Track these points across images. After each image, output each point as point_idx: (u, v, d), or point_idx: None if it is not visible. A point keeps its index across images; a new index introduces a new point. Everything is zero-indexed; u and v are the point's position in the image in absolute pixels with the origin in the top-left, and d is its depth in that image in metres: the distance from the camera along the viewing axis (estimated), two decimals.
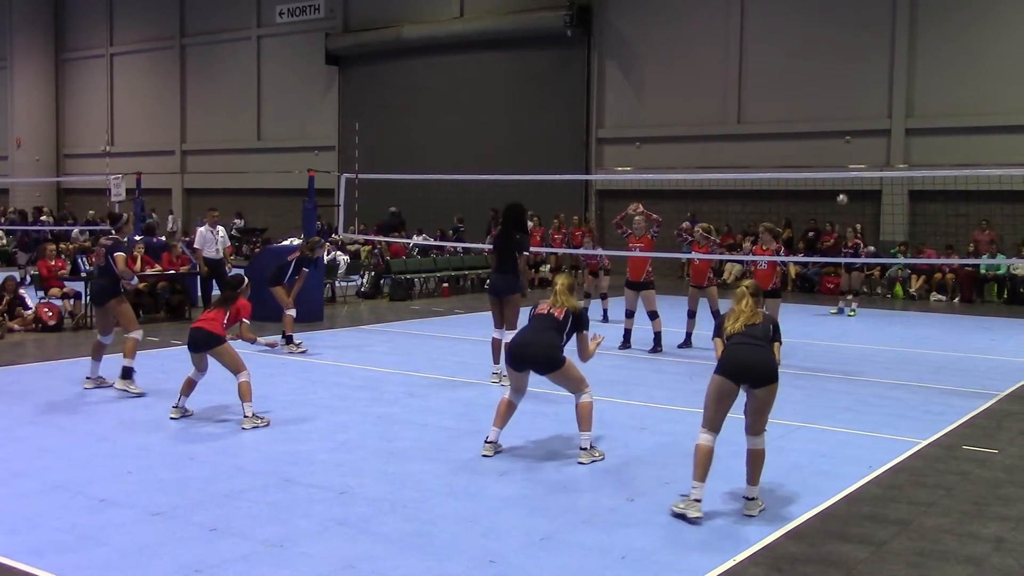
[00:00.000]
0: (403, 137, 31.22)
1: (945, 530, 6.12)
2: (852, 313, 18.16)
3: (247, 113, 35.90)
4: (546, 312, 7.73)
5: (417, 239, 24.44)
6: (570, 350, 7.74)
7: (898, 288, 22.30)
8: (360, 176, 20.13)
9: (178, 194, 38.00)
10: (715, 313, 13.24)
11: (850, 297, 18.54)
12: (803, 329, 16.04)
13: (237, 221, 34.03)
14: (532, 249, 17.81)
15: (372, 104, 32.12)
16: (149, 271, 15.92)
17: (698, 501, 6.19)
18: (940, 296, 21.48)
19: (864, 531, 6.07)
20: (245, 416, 8.56)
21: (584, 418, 7.63)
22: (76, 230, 28.03)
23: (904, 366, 12.40)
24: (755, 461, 6.45)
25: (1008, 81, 22.03)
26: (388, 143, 30.85)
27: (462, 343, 14.04)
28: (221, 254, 16.95)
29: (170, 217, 33.46)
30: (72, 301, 15.14)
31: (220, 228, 17.27)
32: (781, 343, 6.75)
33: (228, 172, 35.98)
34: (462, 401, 9.89)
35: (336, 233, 21.62)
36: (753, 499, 6.40)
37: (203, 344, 8.70)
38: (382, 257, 22.01)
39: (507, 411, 7.80)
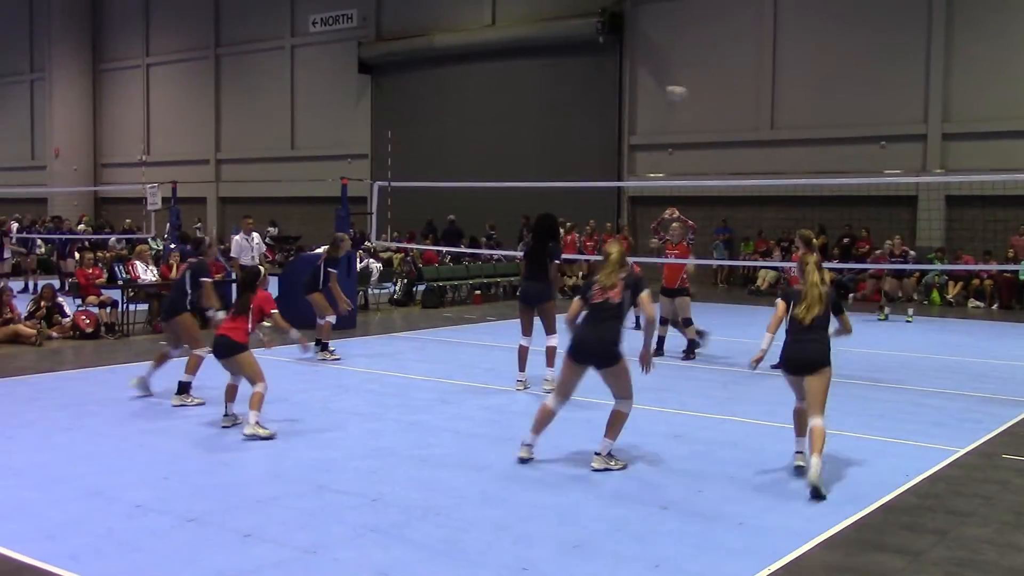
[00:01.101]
0: (435, 145, 31.32)
1: (984, 540, 6.03)
2: (910, 319, 18.04)
3: (281, 122, 36.18)
4: (602, 300, 7.49)
5: (450, 247, 24.49)
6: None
7: (935, 294, 22.04)
8: (393, 184, 20.22)
9: (213, 203, 38.36)
10: (686, 321, 13.07)
11: (909, 309, 18.43)
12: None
13: (271, 229, 34.29)
14: (566, 257, 17.90)
15: (404, 112, 32.26)
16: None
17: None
18: (978, 302, 21.20)
19: (901, 540, 6.00)
20: (248, 423, 8.43)
21: (614, 426, 7.55)
22: (113, 238, 28.38)
23: (941, 373, 12.24)
24: (816, 436, 6.99)
25: None
26: (420, 151, 30.96)
27: (494, 350, 14.05)
28: (257, 260, 17.06)
29: (199, 224, 33.75)
30: (109, 309, 15.30)
31: (255, 235, 17.40)
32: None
33: (262, 180, 36.28)
34: (494, 408, 9.88)
35: (369, 240, 21.73)
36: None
37: (225, 351, 8.70)
38: (415, 264, 22.08)
39: (546, 419, 7.72)
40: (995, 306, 21.18)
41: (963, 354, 14.18)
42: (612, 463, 7.50)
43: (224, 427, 8.75)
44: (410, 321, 17.92)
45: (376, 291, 20.96)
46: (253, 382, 8.64)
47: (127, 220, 32.80)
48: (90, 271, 16.11)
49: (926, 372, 12.43)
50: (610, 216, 27.15)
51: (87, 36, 41.99)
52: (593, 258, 22.02)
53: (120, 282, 15.75)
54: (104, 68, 42.14)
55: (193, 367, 9.86)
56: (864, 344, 15.04)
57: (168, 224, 21.84)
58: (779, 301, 7.59)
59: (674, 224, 13.50)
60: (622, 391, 7.58)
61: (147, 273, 15.95)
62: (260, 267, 9.36)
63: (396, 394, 10.54)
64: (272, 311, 9.00)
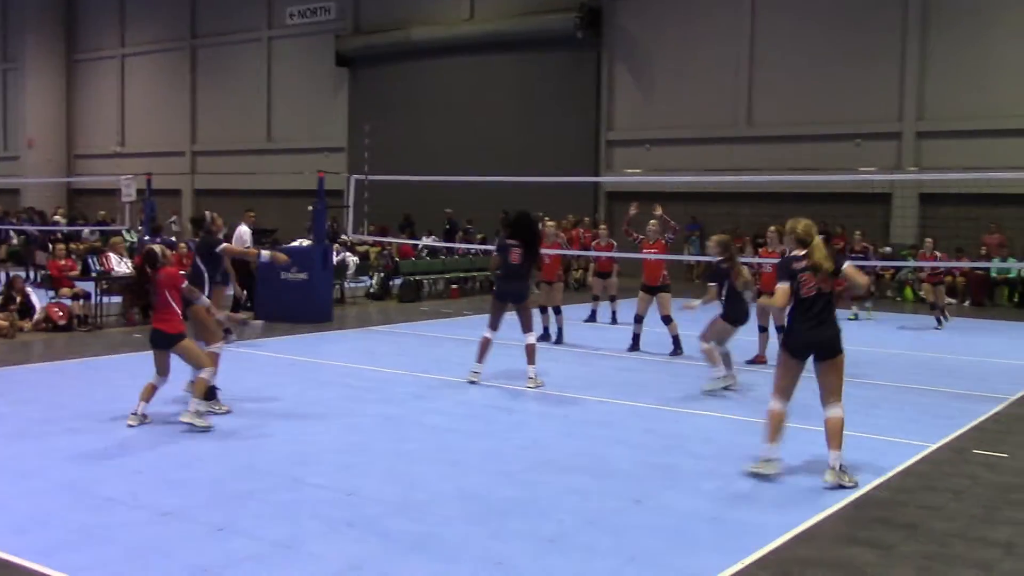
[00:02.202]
0: (412, 138, 31.23)
1: (954, 534, 6.10)
2: (869, 316, 18.05)
3: (257, 114, 35.98)
4: (815, 294, 7.05)
5: (427, 240, 24.44)
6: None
7: (908, 291, 22.23)
8: (370, 177, 20.15)
9: (188, 195, 38.10)
10: (666, 319, 13.09)
11: (868, 304, 18.35)
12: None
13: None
14: (574, 252, 17.83)
15: (382, 105, 32.14)
16: None
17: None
18: (950, 299, 21.40)
19: (873, 534, 6.05)
20: (188, 411, 8.27)
21: (837, 435, 7.06)
22: (87, 230, 28.13)
23: (913, 369, 12.36)
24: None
25: (1018, 84, 21.94)
26: (397, 144, 30.84)
27: (471, 345, 13.95)
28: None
29: (174, 218, 33.50)
30: (82, 301, 15.18)
31: (247, 229, 17.38)
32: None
33: (238, 173, 36.05)
34: (470, 403, 9.89)
35: (345, 234, 21.65)
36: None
37: (164, 344, 8.42)
38: (391, 258, 22.03)
39: (780, 423, 7.19)
40: (967, 303, 21.40)
41: (935, 350, 14.31)
42: (846, 479, 7.00)
43: (129, 425, 8.35)
44: (386, 315, 17.88)
45: (352, 285, 20.90)
46: (199, 367, 8.47)
47: (101, 212, 32.52)
48: (63, 263, 15.98)
49: (898, 368, 12.54)
50: (587, 211, 27.21)
51: (62, 26, 41.55)
52: (579, 252, 22.00)
53: (94, 274, 15.63)
54: (79, 58, 41.73)
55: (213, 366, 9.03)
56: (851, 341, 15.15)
57: (143, 216, 21.68)
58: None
59: (651, 222, 13.54)
60: (835, 390, 7.18)
61: (121, 265, 15.83)
62: (153, 248, 8.61)
63: (372, 388, 10.52)
64: (185, 285, 8.60)
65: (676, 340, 13.12)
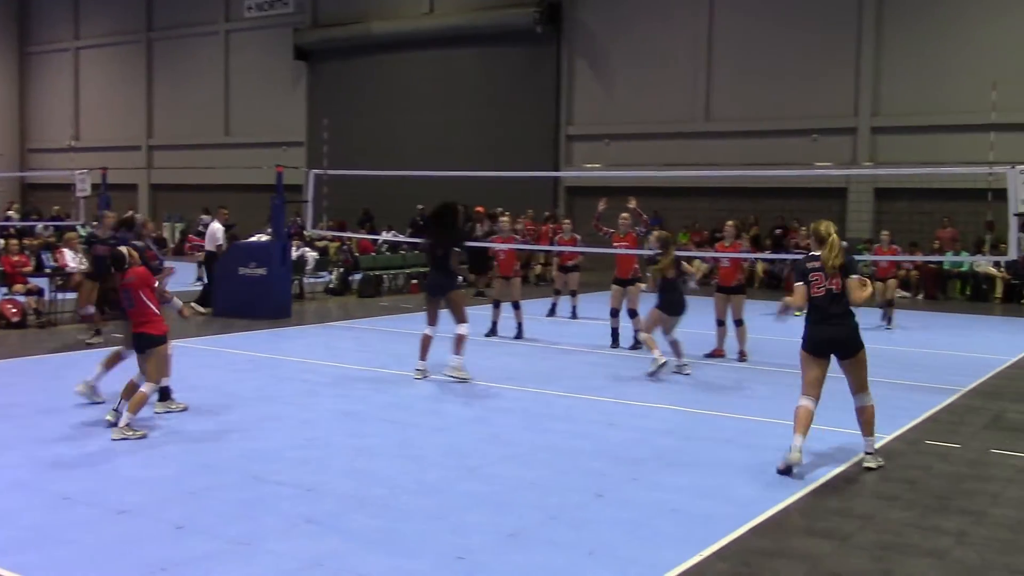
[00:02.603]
0: (372, 133, 31.10)
1: (909, 523, 6.20)
2: (798, 313, 18.02)
3: (215, 108, 35.61)
4: (825, 292, 7.29)
5: (387, 235, 24.35)
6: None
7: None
8: (329, 172, 20.04)
9: (145, 190, 37.65)
10: (632, 312, 13.18)
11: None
12: (770, 326, 16.14)
13: (204, 217, 33.73)
14: (543, 248, 17.83)
15: (341, 100, 31.97)
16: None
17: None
18: (904, 293, 21.71)
19: (830, 525, 6.14)
20: (120, 424, 7.95)
21: (868, 423, 7.45)
22: (40, 226, 27.70)
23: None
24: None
25: (971, 81, 22.26)
26: (357, 139, 30.72)
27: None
28: (226, 249, 17.26)
29: (130, 213, 33.06)
30: (36, 298, 14.95)
31: (220, 226, 17.65)
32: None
33: (195, 168, 35.60)
34: (430, 398, 9.88)
35: (304, 229, 21.52)
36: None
37: (145, 345, 8.23)
38: (351, 253, 21.93)
39: (807, 420, 7.25)
40: (920, 296, 21.72)
41: (889, 343, 14.50)
42: (879, 461, 7.41)
43: (110, 422, 8.21)
44: (346, 310, 17.80)
45: (312, 280, 20.78)
46: (152, 379, 8.16)
47: (55, 207, 32.03)
48: (16, 259, 15.73)
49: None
50: (547, 205, 27.24)
51: (13, 18, 40.84)
52: (547, 248, 21.98)
53: (48, 270, 15.39)
54: (32, 51, 41.03)
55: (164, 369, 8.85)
56: (792, 334, 15.34)
57: (98, 211, 21.39)
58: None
59: (623, 215, 13.61)
60: (862, 382, 7.46)
61: (75, 261, 15.60)
62: (121, 250, 8.40)
63: (331, 384, 10.47)
64: (155, 284, 8.44)
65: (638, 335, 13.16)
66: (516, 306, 14.43)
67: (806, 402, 7.32)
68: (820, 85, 24.48)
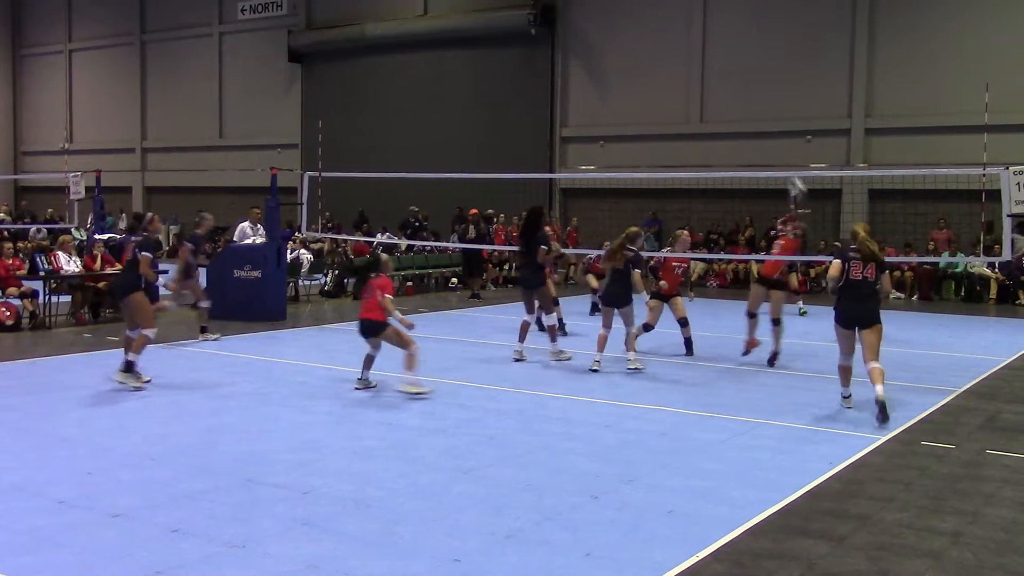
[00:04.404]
0: (367, 135, 31.10)
1: (904, 524, 6.20)
2: (803, 312, 18.02)
3: (209, 110, 35.57)
4: (861, 277, 9.06)
5: (381, 237, 24.32)
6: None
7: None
8: (323, 174, 20.03)
9: (138, 192, 37.59)
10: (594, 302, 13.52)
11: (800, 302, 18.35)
12: (765, 327, 16.17)
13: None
14: (495, 247, 18.29)
15: (335, 102, 31.96)
16: (110, 270, 15.78)
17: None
18: (899, 294, 21.75)
19: (825, 526, 6.14)
20: (405, 384, 9.79)
21: (878, 376, 8.99)
22: (34, 228, 27.65)
23: (863, 363, 12.52)
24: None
25: (964, 82, 22.32)
26: (352, 141, 30.71)
27: (426, 342, 13.98)
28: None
29: (123, 215, 33.03)
30: (30, 300, 14.92)
31: (260, 227, 17.45)
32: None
33: (189, 170, 35.65)
34: (425, 400, 9.86)
35: (299, 231, 21.50)
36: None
37: (371, 331, 10.00)
38: (346, 255, 21.91)
39: (848, 373, 9.48)
40: (915, 297, 21.76)
41: (884, 344, 14.44)
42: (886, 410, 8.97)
43: (356, 389, 10.09)
44: (341, 313, 17.77)
45: (307, 282, 20.76)
46: (404, 346, 9.88)
47: (49, 210, 31.98)
48: (10, 262, 15.69)
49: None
50: (543, 207, 27.20)
51: (7, 20, 40.77)
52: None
53: (42, 273, 15.37)
54: (25, 53, 40.97)
55: (139, 347, 10.05)
56: (790, 335, 15.35)
57: (91, 214, 21.38)
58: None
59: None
60: (875, 348, 9.09)
61: (70, 264, 15.58)
62: (379, 255, 10.39)
63: (327, 386, 10.46)
64: (386, 295, 9.91)
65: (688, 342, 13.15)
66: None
67: (846, 361, 9.49)
68: (814, 86, 24.54)
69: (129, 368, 10.06)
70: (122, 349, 10.47)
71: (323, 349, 13.30)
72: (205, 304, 13.86)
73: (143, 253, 10.38)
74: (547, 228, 13.81)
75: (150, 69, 37.38)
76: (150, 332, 10.21)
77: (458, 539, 5.76)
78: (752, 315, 12.58)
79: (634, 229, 12.06)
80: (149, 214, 11.40)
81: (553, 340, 12.40)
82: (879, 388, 8.88)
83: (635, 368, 11.53)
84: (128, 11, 37.42)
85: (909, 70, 23.48)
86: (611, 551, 5.63)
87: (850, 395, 9.59)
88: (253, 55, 34.40)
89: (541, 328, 13.51)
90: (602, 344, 11.59)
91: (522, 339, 12.45)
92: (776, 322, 12.33)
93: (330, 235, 24.21)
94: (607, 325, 11.66)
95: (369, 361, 10.25)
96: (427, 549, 5.59)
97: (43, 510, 6.17)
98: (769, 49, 25.00)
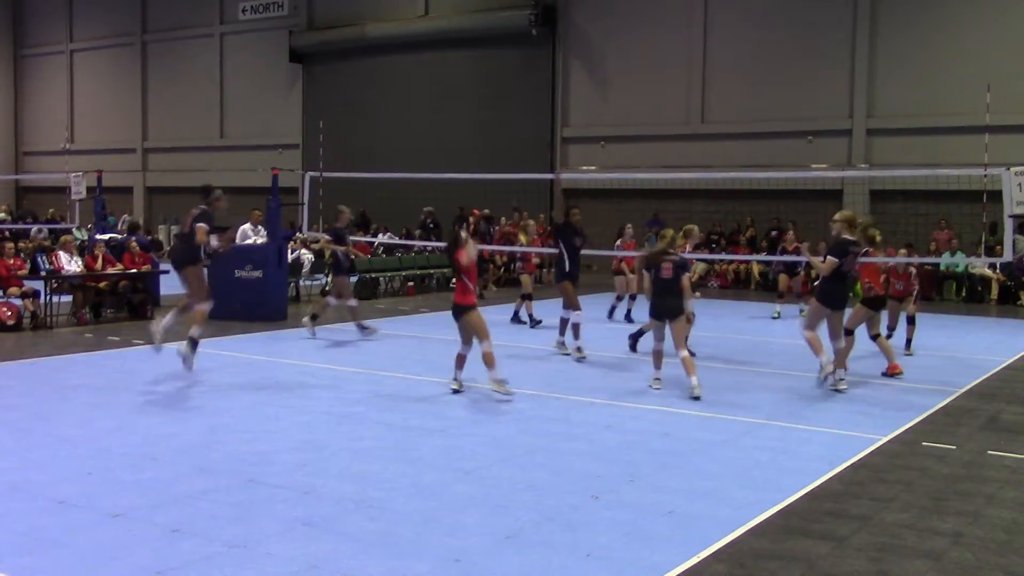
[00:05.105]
0: (368, 135, 31.10)
1: (905, 525, 6.20)
2: (804, 313, 17.74)
3: (210, 111, 35.59)
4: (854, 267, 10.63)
5: (383, 237, 24.33)
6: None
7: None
8: (324, 174, 20.02)
9: (140, 192, 37.61)
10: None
11: (803, 306, 18.09)
12: (765, 327, 16.18)
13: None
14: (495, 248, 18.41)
15: (337, 102, 31.97)
16: (111, 270, 15.80)
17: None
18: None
19: (826, 527, 6.14)
20: (494, 380, 9.72)
21: (842, 358, 10.74)
22: (35, 228, 27.66)
23: (864, 363, 12.52)
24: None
25: (966, 82, 22.31)
26: (353, 141, 30.73)
27: (428, 342, 14.01)
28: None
29: (125, 216, 33.05)
30: (31, 300, 14.93)
31: (261, 228, 17.95)
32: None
33: (190, 170, 35.60)
34: (427, 400, 9.86)
35: (300, 232, 21.50)
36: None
37: (457, 314, 9.98)
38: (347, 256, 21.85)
39: (819, 341, 10.57)
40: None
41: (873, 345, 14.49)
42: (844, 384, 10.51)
43: (454, 391, 10.00)
44: (342, 313, 17.74)
45: (308, 283, 20.76)
46: (481, 340, 9.78)
47: (50, 210, 32.00)
48: (11, 262, 15.70)
49: (850, 362, 12.66)
50: (543, 208, 27.26)
51: (8, 21, 40.80)
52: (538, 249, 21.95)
53: (43, 273, 15.37)
54: (26, 54, 40.98)
55: (200, 321, 10.36)
56: (787, 335, 15.34)
57: (94, 214, 21.41)
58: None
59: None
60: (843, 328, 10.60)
61: (72, 264, 15.58)
62: (461, 232, 10.27)
63: (328, 386, 10.46)
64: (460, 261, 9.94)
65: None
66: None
67: (812, 333, 10.62)
68: (815, 87, 24.54)
69: (194, 346, 10.42)
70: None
71: (323, 349, 13.30)
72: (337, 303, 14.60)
73: (199, 224, 10.50)
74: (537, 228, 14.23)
75: (151, 69, 37.39)
76: (205, 306, 10.48)
77: (458, 539, 5.76)
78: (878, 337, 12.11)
79: (690, 227, 12.79)
80: (217, 191, 11.23)
81: (576, 337, 12.65)
82: (837, 373, 10.48)
83: (696, 396, 9.99)
84: (129, 11, 37.43)
85: (910, 70, 23.47)
86: (612, 551, 5.63)
87: (825, 362, 10.58)
88: (254, 55, 34.40)
89: (517, 321, 15.56)
90: (659, 360, 10.57)
91: (562, 333, 13.01)
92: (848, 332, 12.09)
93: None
94: (661, 339, 10.55)
95: (460, 360, 10.14)
96: (427, 549, 5.59)
97: (44, 510, 6.17)
98: (770, 49, 25.00)
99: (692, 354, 10.57)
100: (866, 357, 12.42)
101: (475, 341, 9.97)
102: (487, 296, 20.99)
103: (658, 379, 10.51)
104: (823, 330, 10.74)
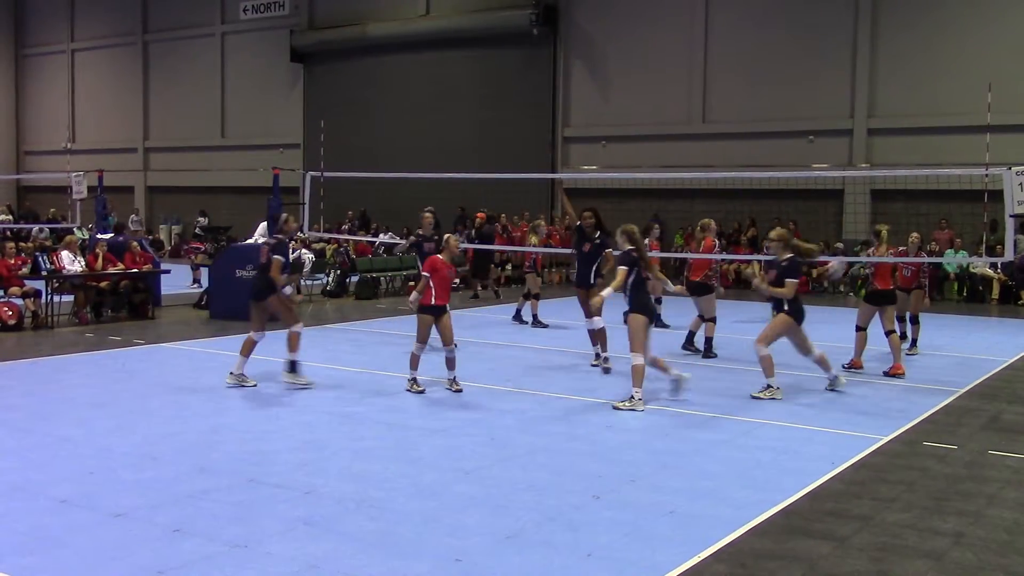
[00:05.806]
0: (369, 135, 31.10)
1: (906, 525, 6.20)
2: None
3: (211, 110, 35.59)
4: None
5: (383, 237, 24.34)
6: None
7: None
8: (325, 174, 20.04)
9: (141, 192, 37.61)
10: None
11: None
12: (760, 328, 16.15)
13: (201, 219, 33.79)
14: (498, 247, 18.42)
15: (338, 102, 31.96)
16: (112, 269, 15.80)
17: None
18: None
19: (827, 527, 6.13)
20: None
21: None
22: (36, 228, 27.69)
23: (865, 363, 12.52)
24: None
25: (966, 83, 22.29)
26: (354, 141, 30.72)
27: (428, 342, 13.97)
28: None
29: (134, 216, 33.06)
30: (32, 300, 14.93)
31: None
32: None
33: (192, 170, 35.69)
34: (428, 400, 9.87)
35: (301, 231, 21.52)
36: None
37: (438, 315, 10.19)
38: (348, 255, 21.91)
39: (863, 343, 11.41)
40: None
41: (887, 345, 14.49)
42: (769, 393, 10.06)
43: (419, 392, 10.04)
44: (343, 313, 17.78)
45: (309, 282, 20.77)
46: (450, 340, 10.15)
47: (52, 209, 32.01)
48: (12, 261, 15.70)
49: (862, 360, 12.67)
50: (544, 207, 27.26)
51: (9, 20, 40.80)
52: (544, 250, 21.97)
53: (44, 273, 15.37)
54: (27, 53, 40.99)
55: (295, 344, 10.31)
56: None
57: (95, 213, 21.42)
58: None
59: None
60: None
61: (74, 264, 15.58)
62: (449, 236, 10.46)
63: (328, 386, 10.46)
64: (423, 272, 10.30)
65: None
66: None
67: (767, 351, 10.31)
68: (816, 87, 24.52)
69: (294, 368, 10.37)
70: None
71: (324, 349, 13.29)
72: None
73: (275, 257, 10.33)
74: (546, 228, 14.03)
75: (152, 69, 37.39)
76: (298, 327, 10.40)
77: (459, 539, 5.76)
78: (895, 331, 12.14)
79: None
80: (284, 215, 11.04)
81: (594, 344, 11.98)
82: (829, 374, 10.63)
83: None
84: (130, 11, 37.43)
85: (911, 70, 23.45)
86: (612, 551, 5.63)
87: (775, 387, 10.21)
88: (255, 55, 34.40)
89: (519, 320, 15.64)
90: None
91: (594, 343, 12.03)
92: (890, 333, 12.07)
93: (330, 235, 24.21)
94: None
95: (413, 360, 10.25)
96: (428, 549, 5.59)
97: (45, 510, 6.18)
98: (771, 49, 24.98)
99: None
100: (866, 358, 12.40)
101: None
102: (486, 296, 20.97)
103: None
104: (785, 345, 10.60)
